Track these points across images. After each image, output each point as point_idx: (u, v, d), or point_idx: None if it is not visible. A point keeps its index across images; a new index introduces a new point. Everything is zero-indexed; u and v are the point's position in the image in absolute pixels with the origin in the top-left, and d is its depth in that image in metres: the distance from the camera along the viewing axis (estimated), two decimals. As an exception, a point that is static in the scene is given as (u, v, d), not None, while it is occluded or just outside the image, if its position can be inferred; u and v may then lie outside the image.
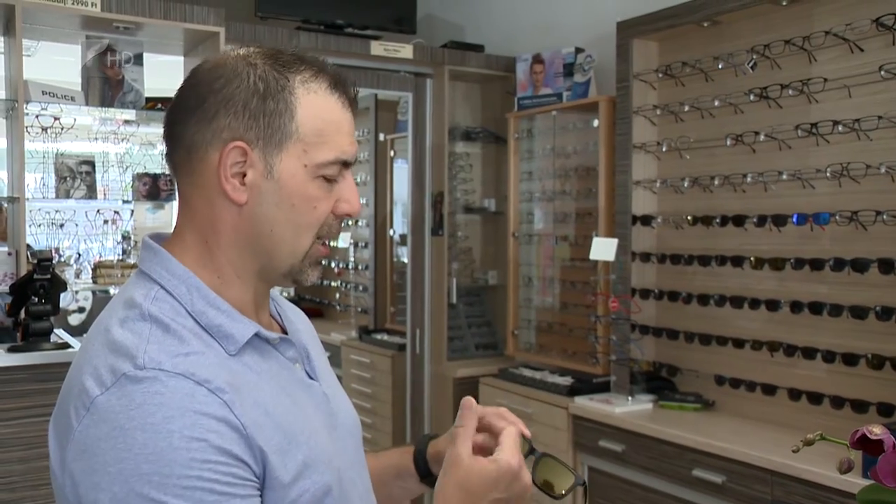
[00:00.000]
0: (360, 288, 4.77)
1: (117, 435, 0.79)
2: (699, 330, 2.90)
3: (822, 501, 2.16)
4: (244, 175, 0.90)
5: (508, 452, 0.99)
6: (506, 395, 3.35)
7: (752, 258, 2.69)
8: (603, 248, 2.96)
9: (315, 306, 5.28)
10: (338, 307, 5.05)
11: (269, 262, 0.94)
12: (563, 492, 1.08)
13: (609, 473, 2.86)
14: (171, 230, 0.99)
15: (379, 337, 4.37)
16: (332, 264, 4.94)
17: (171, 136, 0.94)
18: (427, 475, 1.20)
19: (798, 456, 2.23)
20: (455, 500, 0.96)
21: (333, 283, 5.05)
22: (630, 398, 2.92)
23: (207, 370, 0.84)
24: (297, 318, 1.10)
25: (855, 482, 2.02)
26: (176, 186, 0.97)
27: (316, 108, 0.92)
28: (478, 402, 1.06)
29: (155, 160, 3.26)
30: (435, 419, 3.88)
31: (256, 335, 0.92)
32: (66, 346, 2.59)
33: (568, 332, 3.50)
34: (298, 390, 0.95)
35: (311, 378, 1.00)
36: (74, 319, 3.71)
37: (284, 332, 1.03)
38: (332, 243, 0.98)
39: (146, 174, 3.16)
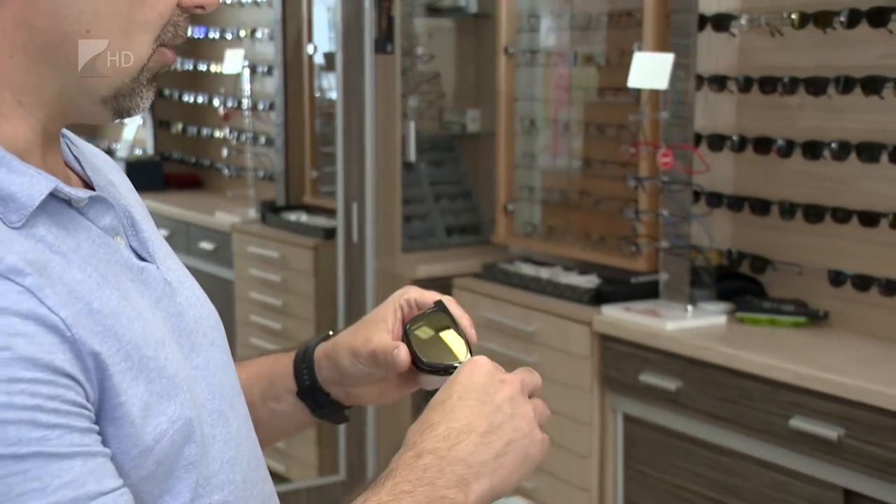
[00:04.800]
0: (262, 141, 4.70)
1: None
2: (804, 199, 2.91)
3: None
4: None
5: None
6: (495, 303, 3.38)
7: (897, 80, 2.65)
8: (650, 70, 2.99)
9: (189, 170, 5.24)
10: (226, 171, 4.98)
11: (80, 81, 0.96)
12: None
13: (655, 425, 2.91)
14: None
15: (293, 218, 4.40)
16: (216, 103, 4.88)
17: None
18: (311, 388, 1.24)
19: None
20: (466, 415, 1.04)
21: (217, 134, 4.96)
22: (690, 308, 2.97)
23: None
24: (105, 166, 1.13)
25: None
26: None
27: None
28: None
29: None
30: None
31: (52, 195, 0.93)
32: None
33: (593, 205, 3.52)
34: (126, 279, 0.98)
35: (140, 258, 1.03)
36: None
37: (90, 186, 1.05)
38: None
39: None
